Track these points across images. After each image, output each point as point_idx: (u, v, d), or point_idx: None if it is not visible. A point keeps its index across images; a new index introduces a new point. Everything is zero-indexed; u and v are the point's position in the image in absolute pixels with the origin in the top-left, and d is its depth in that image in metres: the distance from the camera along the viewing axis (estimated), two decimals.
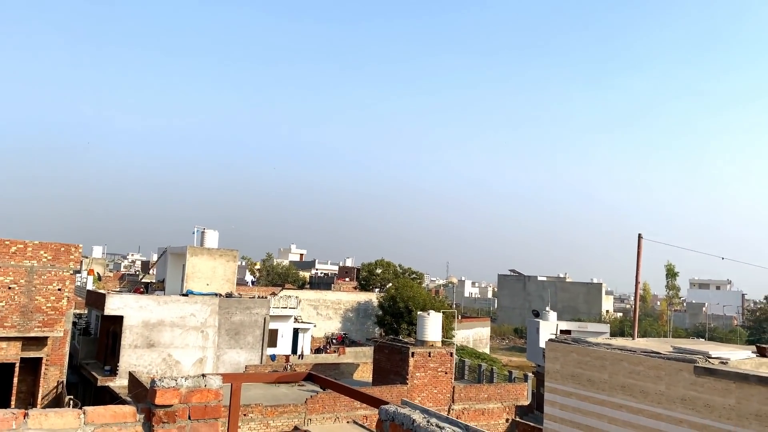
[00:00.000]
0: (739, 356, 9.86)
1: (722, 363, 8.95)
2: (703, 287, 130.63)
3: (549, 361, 9.99)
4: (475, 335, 74.78)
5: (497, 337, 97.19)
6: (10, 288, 22.78)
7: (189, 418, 3.27)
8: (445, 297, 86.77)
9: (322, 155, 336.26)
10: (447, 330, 47.80)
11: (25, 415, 2.90)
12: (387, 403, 3.38)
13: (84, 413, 3.06)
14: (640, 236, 13.06)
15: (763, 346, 10.71)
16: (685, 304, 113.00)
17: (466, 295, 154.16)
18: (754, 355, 10.40)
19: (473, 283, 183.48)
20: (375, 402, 3.87)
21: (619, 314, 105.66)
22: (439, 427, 2.74)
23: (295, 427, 24.43)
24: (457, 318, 67.92)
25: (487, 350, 74.65)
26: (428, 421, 2.81)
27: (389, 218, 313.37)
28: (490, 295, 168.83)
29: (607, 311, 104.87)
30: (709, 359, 9.05)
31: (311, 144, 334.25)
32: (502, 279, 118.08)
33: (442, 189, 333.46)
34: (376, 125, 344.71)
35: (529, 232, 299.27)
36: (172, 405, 3.24)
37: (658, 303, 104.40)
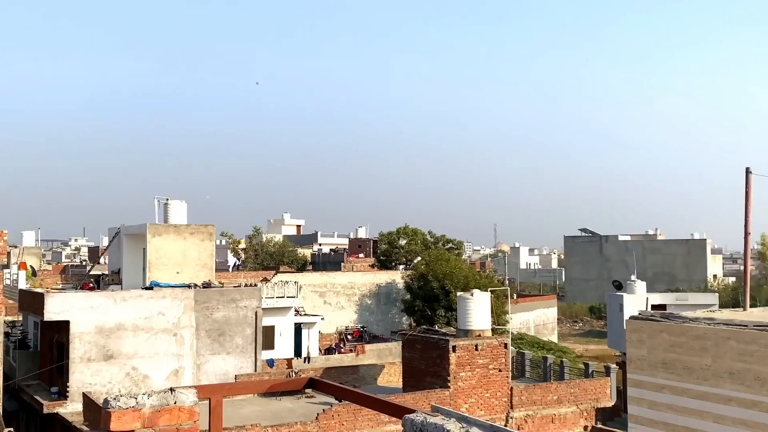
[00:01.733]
0: None
1: None
2: None
3: (632, 345, 10.04)
4: (538, 319, 75.19)
5: (567, 319, 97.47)
6: None
7: None
8: (493, 271, 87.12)
9: (317, 100, 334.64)
10: (498, 314, 48.05)
11: None
12: (413, 411, 3.45)
13: None
14: (747, 171, 12.91)
15: None
16: None
17: (523, 266, 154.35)
18: None
19: (531, 251, 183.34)
20: (398, 411, 3.95)
21: (732, 279, 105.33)
22: None
23: None
24: (512, 297, 68.09)
25: (554, 337, 75.13)
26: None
27: (412, 173, 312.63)
28: (554, 264, 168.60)
29: (715, 276, 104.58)
30: None
31: (300, 83, 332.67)
32: (571, 242, 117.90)
33: (481, 131, 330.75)
34: (398, 44, 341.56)
35: (603, 179, 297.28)
36: (133, 431, 3.35)
37: None
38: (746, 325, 9.38)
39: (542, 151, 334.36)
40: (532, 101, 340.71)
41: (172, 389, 3.64)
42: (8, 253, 29.79)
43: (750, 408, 9.12)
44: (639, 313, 11.02)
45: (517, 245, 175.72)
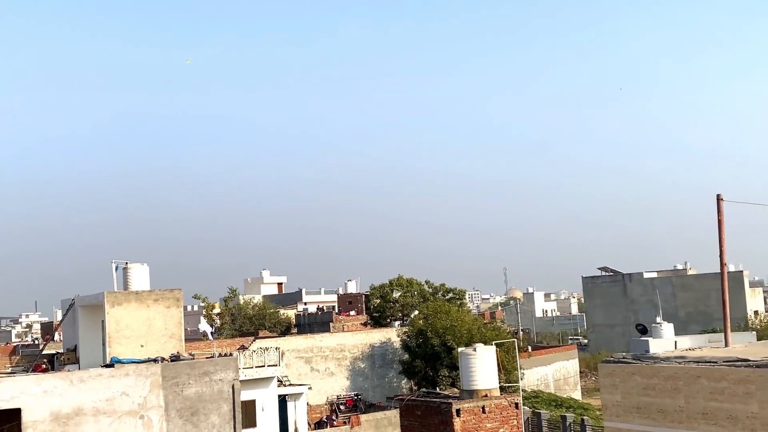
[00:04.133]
0: None
1: None
2: None
3: (606, 390, 10.73)
4: (557, 372, 75.31)
5: (591, 372, 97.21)
6: None
7: None
8: (502, 321, 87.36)
9: (293, 143, 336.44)
10: (509, 370, 48.51)
11: None
12: None
13: None
14: (719, 198, 13.71)
15: None
16: None
17: (539, 314, 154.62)
18: None
19: (547, 295, 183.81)
20: None
21: None
22: None
23: None
24: (525, 350, 68.55)
25: (576, 394, 75.11)
26: None
27: (404, 215, 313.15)
28: (574, 310, 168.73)
29: (756, 312, 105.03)
30: None
31: (273, 129, 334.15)
32: (590, 283, 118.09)
33: (482, 167, 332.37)
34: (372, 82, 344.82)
35: (622, 211, 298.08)
36: None
37: None
38: (716, 362, 10.11)
39: (555, 187, 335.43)
40: (537, 136, 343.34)
41: None
42: None
43: None
44: (611, 357, 11.76)
45: (531, 290, 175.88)
